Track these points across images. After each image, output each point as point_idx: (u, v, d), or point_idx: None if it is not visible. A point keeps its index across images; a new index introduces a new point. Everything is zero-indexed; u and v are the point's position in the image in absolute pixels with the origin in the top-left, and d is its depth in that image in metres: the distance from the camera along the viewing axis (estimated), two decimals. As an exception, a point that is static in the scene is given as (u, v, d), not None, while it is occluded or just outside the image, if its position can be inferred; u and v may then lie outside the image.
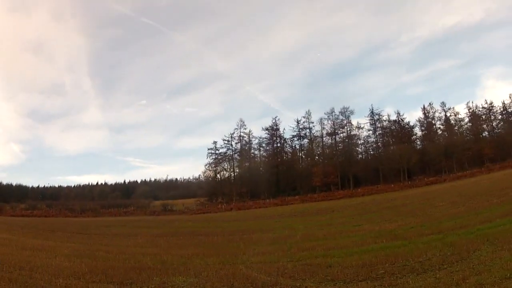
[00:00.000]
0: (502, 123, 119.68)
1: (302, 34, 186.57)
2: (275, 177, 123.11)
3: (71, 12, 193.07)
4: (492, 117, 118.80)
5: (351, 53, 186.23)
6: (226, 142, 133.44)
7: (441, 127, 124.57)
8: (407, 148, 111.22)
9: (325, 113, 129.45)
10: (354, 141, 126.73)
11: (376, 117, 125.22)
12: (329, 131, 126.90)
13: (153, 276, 16.44)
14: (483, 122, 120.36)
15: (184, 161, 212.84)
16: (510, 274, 11.16)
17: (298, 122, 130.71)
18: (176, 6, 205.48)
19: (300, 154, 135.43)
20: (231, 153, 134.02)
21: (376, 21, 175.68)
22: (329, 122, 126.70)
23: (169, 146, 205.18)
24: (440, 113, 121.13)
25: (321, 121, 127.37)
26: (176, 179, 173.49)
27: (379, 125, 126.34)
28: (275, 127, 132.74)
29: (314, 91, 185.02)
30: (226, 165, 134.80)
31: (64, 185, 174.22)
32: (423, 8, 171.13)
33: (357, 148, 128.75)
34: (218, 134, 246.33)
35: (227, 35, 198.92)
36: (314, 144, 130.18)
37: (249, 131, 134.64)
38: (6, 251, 25.80)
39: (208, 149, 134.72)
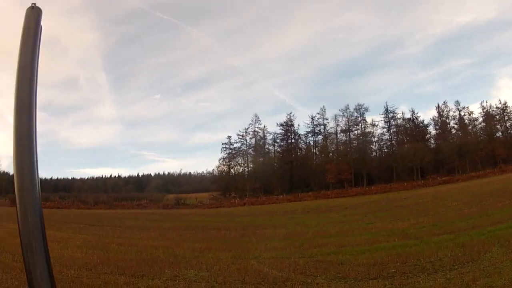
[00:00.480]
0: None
1: (316, 30, 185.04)
2: (289, 173, 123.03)
3: (85, 7, 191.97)
4: (506, 118, 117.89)
5: (365, 50, 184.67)
6: (240, 137, 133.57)
7: (455, 126, 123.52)
8: (421, 147, 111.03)
9: (339, 110, 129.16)
10: (369, 138, 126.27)
11: (390, 115, 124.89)
12: (344, 128, 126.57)
13: (165, 269, 16.55)
14: (497, 122, 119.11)
15: (198, 156, 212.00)
16: (520, 277, 11.10)
17: (312, 118, 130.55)
18: (191, 1, 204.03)
19: (314, 151, 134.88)
20: (245, 148, 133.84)
21: (389, 19, 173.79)
22: (344, 119, 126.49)
23: (183, 140, 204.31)
24: (454, 112, 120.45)
25: (335, 117, 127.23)
26: (190, 173, 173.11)
27: (393, 123, 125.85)
28: (289, 123, 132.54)
29: (329, 87, 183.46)
30: (240, 160, 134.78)
31: (78, 177, 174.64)
32: (436, 6, 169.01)
33: (371, 146, 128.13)
34: (233, 129, 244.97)
35: (242, 31, 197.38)
36: (328, 140, 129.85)
37: (264, 126, 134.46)
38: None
39: (222, 144, 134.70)
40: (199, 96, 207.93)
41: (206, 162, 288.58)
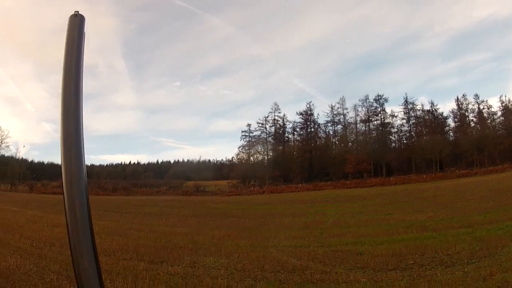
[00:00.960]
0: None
1: (336, 21, 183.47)
2: (308, 162, 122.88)
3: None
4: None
5: (385, 42, 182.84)
6: (260, 125, 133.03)
7: (474, 119, 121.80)
8: (440, 139, 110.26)
9: (359, 100, 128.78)
10: (388, 129, 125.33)
11: (410, 106, 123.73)
12: (363, 118, 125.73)
13: (184, 255, 16.72)
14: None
15: (218, 143, 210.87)
16: (537, 273, 11.11)
17: (332, 108, 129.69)
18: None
19: (334, 140, 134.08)
20: (265, 136, 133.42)
21: (409, 12, 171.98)
22: (363, 109, 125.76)
23: (203, 127, 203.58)
24: (473, 105, 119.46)
25: (355, 107, 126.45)
26: (209, 160, 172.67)
27: (412, 114, 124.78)
28: (309, 112, 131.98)
29: (349, 78, 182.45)
30: (259, 148, 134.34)
31: (97, 164, 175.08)
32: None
33: (390, 137, 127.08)
34: (252, 117, 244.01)
35: (263, 19, 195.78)
36: (347, 130, 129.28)
37: (284, 115, 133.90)
38: (37, 228, 26.53)
39: (242, 132, 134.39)
40: (219, 84, 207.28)
41: (226, 150, 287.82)
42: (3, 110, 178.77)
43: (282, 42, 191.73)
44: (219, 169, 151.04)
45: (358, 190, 78.04)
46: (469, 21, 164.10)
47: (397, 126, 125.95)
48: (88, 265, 2.30)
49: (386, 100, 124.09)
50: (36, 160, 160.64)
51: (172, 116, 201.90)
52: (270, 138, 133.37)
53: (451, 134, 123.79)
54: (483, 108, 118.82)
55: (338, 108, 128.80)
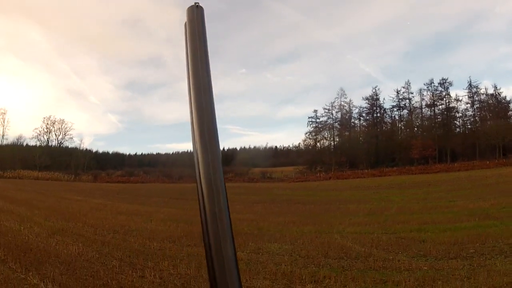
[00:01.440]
0: None
1: (402, 3, 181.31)
2: (374, 148, 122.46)
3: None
4: None
5: (449, 24, 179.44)
6: (326, 111, 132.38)
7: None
8: (503, 124, 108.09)
9: (424, 84, 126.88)
10: (453, 114, 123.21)
11: (474, 90, 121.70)
12: (428, 103, 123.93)
13: (249, 241, 17.11)
14: None
15: (284, 129, 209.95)
16: None
17: (397, 92, 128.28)
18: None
19: (400, 125, 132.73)
20: (331, 122, 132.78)
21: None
22: (428, 93, 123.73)
23: (269, 114, 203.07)
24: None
25: (420, 92, 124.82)
26: (276, 147, 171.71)
27: (476, 98, 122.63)
28: (375, 97, 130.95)
29: (414, 61, 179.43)
30: (326, 133, 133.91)
31: (163, 152, 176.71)
32: None
33: (455, 121, 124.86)
34: (319, 103, 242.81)
35: (328, 4, 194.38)
36: (413, 115, 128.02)
37: (350, 100, 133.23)
38: (101, 216, 27.32)
39: (309, 118, 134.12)
40: (285, 70, 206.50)
41: (292, 136, 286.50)
42: (68, 103, 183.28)
43: (349, 26, 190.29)
44: (286, 155, 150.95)
45: (422, 176, 77.39)
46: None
47: (462, 110, 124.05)
48: (229, 263, 1.80)
49: (450, 83, 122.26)
50: (100, 150, 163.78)
51: (239, 103, 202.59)
52: (336, 123, 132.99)
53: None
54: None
55: (403, 92, 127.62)
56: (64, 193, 53.57)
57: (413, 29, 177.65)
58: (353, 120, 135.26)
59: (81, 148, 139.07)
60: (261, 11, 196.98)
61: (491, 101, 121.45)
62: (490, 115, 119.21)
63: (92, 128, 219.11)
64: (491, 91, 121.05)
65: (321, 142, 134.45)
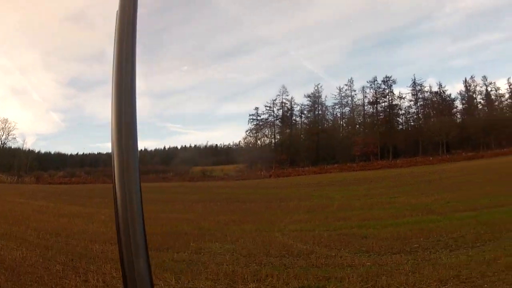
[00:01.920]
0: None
1: (346, 1, 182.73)
2: (315, 145, 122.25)
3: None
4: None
5: (395, 22, 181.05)
6: (268, 108, 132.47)
7: (482, 101, 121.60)
8: (447, 121, 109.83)
9: (367, 82, 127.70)
10: (395, 111, 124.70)
11: (418, 88, 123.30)
12: (371, 100, 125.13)
13: (190, 242, 16.82)
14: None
15: (225, 127, 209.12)
16: (542, 257, 11.18)
17: (340, 89, 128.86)
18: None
19: (341, 123, 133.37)
20: (273, 119, 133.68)
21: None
22: (371, 91, 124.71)
23: (210, 112, 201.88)
24: (481, 87, 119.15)
25: (363, 89, 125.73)
26: (216, 145, 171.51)
27: (420, 96, 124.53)
28: (317, 94, 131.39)
29: (358, 59, 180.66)
30: (267, 131, 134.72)
31: (104, 152, 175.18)
32: None
33: (398, 119, 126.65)
34: (260, 100, 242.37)
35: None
36: (355, 112, 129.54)
37: (291, 97, 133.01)
38: (43, 218, 26.81)
39: (250, 115, 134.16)
40: (227, 67, 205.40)
41: (233, 134, 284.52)
42: (11, 102, 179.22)
43: (292, 23, 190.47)
44: (226, 154, 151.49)
45: (364, 173, 77.91)
46: (481, 0, 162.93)
47: (405, 108, 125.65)
48: (142, 263, 2.26)
49: (394, 81, 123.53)
50: (43, 151, 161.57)
51: (180, 101, 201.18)
52: (277, 121, 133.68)
53: (459, 116, 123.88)
54: (491, 90, 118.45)
55: (346, 90, 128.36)
56: (7, 195, 52.60)
57: (358, 27, 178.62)
58: (294, 117, 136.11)
59: (24, 149, 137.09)
60: (202, 5, 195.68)
61: (435, 99, 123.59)
62: (434, 112, 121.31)
63: (35, 127, 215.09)
64: (435, 89, 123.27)
65: (262, 140, 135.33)
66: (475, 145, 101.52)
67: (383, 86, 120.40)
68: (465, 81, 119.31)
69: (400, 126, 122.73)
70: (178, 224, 22.91)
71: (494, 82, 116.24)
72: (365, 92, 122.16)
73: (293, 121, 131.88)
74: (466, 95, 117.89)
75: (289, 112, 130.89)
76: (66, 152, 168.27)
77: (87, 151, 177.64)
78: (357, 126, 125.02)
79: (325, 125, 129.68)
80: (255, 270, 12.07)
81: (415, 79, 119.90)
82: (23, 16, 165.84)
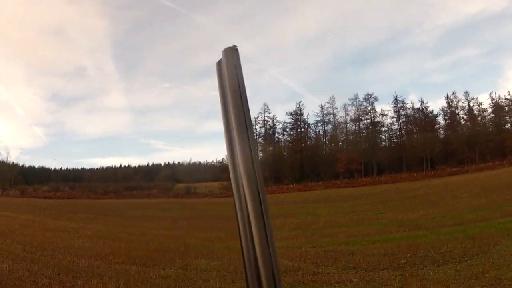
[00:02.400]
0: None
1: (326, 17, 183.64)
2: (299, 162, 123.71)
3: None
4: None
5: (375, 38, 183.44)
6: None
7: (464, 117, 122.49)
8: (430, 137, 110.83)
9: (349, 99, 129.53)
10: (378, 128, 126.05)
11: (399, 105, 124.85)
12: (353, 118, 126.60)
13: (176, 258, 16.77)
14: (506, 114, 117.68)
15: (208, 145, 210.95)
16: (529, 270, 11.15)
17: (322, 107, 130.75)
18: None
19: (324, 140, 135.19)
20: (255, 137, 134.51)
21: (399, 6, 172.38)
22: (353, 108, 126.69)
23: (193, 129, 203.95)
24: (463, 102, 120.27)
25: (345, 107, 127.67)
26: (200, 162, 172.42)
27: (402, 112, 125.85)
28: (299, 112, 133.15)
29: (338, 76, 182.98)
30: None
31: (87, 167, 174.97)
32: None
33: (380, 136, 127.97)
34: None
35: (250, 16, 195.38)
36: (338, 130, 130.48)
37: (273, 115, 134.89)
38: (29, 232, 26.44)
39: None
40: (209, 84, 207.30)
41: (217, 151, 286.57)
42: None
43: (271, 40, 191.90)
44: (210, 171, 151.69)
45: (349, 190, 78.39)
46: (460, 17, 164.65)
47: (387, 125, 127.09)
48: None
49: (376, 99, 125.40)
50: (27, 165, 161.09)
51: (162, 117, 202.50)
52: (260, 139, 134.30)
53: (442, 132, 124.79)
54: (473, 106, 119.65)
55: (328, 107, 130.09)
56: (-8, 208, 52.02)
57: (337, 43, 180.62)
58: (277, 135, 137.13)
59: (8, 162, 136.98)
60: (182, 23, 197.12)
61: (418, 115, 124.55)
62: (417, 128, 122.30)
63: (18, 141, 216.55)
64: (417, 105, 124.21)
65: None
66: (459, 160, 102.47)
67: (364, 103, 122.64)
68: (447, 97, 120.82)
69: (383, 143, 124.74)
70: (164, 241, 22.79)
71: (476, 97, 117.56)
72: (347, 109, 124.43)
73: (276, 138, 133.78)
74: (449, 110, 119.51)
75: (272, 130, 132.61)
76: (50, 167, 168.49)
77: (70, 166, 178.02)
78: (340, 143, 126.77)
79: (308, 142, 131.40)
80: (242, 287, 11.52)
81: (396, 96, 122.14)
82: (5, 29, 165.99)
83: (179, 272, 14.26)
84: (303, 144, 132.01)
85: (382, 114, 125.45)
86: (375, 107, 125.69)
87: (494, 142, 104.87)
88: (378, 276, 12.30)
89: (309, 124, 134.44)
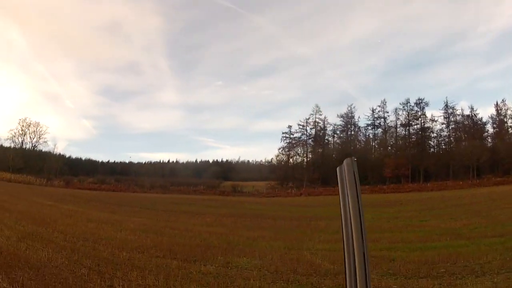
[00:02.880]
0: None
1: (381, 21, 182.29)
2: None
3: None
4: None
5: (428, 43, 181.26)
6: (301, 127, 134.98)
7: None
8: (478, 145, 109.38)
9: (400, 103, 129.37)
10: (427, 134, 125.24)
11: (450, 111, 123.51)
12: (403, 122, 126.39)
13: (218, 255, 16.88)
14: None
15: (258, 144, 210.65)
16: None
17: (373, 111, 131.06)
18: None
19: (373, 144, 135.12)
20: (305, 138, 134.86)
21: (453, 11, 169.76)
22: (404, 112, 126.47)
23: (243, 128, 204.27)
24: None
25: (396, 111, 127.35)
26: (248, 161, 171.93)
27: (452, 119, 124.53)
28: (350, 115, 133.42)
29: (391, 80, 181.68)
30: (299, 150, 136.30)
31: (135, 161, 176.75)
32: None
33: (429, 142, 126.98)
34: (294, 118, 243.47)
35: (307, 19, 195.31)
36: (387, 134, 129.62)
37: (325, 117, 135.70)
38: (71, 222, 27.03)
39: (283, 133, 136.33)
40: (262, 84, 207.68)
41: (265, 151, 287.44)
42: (44, 107, 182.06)
43: (327, 42, 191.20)
44: (258, 170, 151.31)
45: (395, 195, 78.04)
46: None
47: (437, 131, 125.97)
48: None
49: (426, 104, 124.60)
50: (74, 156, 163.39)
51: (214, 115, 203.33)
52: (310, 140, 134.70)
53: (489, 140, 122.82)
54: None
55: (379, 111, 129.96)
56: (36, 197, 53.32)
57: (392, 47, 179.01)
58: (327, 137, 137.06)
59: (54, 153, 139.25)
60: (239, 23, 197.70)
61: (467, 122, 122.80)
62: (465, 136, 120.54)
63: (66, 133, 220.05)
64: (467, 112, 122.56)
65: (294, 158, 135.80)
66: (505, 169, 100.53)
67: (415, 108, 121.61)
68: (496, 105, 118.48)
69: (432, 149, 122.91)
70: (207, 237, 22.99)
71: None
72: (398, 113, 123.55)
73: (326, 140, 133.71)
74: (497, 119, 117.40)
75: (322, 131, 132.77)
76: (97, 159, 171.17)
77: (118, 159, 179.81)
78: (389, 147, 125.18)
79: (357, 145, 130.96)
80: (282, 287, 12.11)
81: (447, 102, 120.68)
82: (60, 24, 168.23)
83: (220, 269, 14.39)
84: (352, 147, 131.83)
85: (432, 120, 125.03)
86: (426, 112, 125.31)
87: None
88: (416, 284, 12.34)
89: (359, 127, 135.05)
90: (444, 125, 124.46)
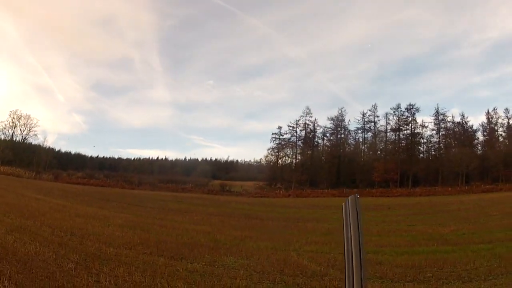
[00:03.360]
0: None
1: (374, 26, 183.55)
2: (336, 168, 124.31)
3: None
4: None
5: (421, 49, 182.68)
6: (291, 128, 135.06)
7: (503, 134, 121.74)
8: (468, 152, 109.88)
9: (391, 108, 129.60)
10: (417, 139, 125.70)
11: (440, 117, 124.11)
12: (394, 127, 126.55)
13: (205, 253, 16.91)
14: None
15: (247, 144, 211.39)
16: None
17: (363, 114, 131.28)
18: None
19: (363, 147, 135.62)
20: (295, 139, 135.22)
21: (447, 19, 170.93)
22: (394, 117, 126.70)
23: (233, 127, 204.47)
24: (503, 119, 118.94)
25: (386, 116, 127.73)
26: (237, 160, 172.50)
27: (443, 125, 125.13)
28: (340, 118, 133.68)
29: (382, 85, 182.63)
30: (288, 151, 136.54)
31: (124, 157, 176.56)
32: (494, 8, 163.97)
33: (419, 147, 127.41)
34: (284, 120, 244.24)
35: (300, 21, 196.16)
36: (377, 138, 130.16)
37: (315, 119, 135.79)
38: (59, 217, 26.98)
39: (272, 134, 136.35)
40: (253, 84, 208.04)
41: (254, 151, 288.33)
42: (35, 99, 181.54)
43: (320, 45, 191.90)
44: (247, 170, 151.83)
45: (383, 199, 78.14)
46: (506, 32, 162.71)
47: (427, 136, 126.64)
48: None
49: (417, 109, 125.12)
50: (63, 150, 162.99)
51: (204, 114, 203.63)
52: (299, 142, 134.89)
53: (479, 148, 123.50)
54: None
55: (369, 115, 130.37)
56: (25, 190, 53.36)
57: (384, 52, 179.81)
58: (316, 139, 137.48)
59: (44, 146, 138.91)
60: (233, 23, 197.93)
61: (457, 129, 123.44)
62: (455, 142, 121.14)
63: (57, 126, 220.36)
64: (458, 119, 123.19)
65: (283, 159, 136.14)
66: (494, 177, 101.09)
67: (406, 113, 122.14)
68: (487, 113, 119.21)
69: (421, 155, 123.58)
70: (194, 235, 23.00)
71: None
72: (388, 118, 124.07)
73: (315, 142, 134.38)
74: (488, 127, 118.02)
75: (312, 133, 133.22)
76: (86, 154, 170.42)
77: (107, 154, 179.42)
78: (379, 152, 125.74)
79: (347, 149, 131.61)
80: (268, 287, 12.15)
81: (438, 109, 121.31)
82: (53, 16, 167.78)
83: (207, 268, 14.41)
84: (341, 150, 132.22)
85: (423, 126, 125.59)
86: (416, 118, 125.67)
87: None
88: (403, 287, 12.39)
89: (349, 130, 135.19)
90: (434, 131, 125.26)
